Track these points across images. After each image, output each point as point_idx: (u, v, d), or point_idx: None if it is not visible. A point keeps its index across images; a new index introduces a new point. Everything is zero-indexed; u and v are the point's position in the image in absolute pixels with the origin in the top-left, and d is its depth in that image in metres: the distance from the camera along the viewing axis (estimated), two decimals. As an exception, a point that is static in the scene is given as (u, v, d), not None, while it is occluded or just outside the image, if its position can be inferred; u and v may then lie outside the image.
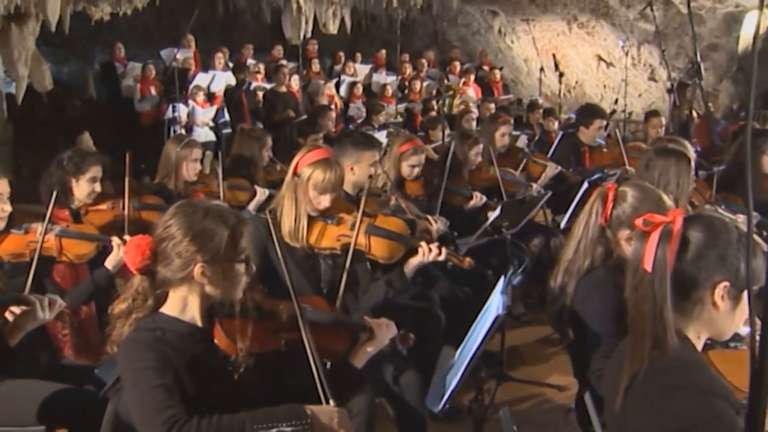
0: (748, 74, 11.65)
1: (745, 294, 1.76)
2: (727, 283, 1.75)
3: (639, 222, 1.83)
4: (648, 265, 1.77)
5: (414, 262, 3.47)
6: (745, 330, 2.22)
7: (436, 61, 13.90)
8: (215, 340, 2.22)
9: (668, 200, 2.76)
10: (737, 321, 1.82)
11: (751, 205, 1.26)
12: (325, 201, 3.39)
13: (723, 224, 1.80)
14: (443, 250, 3.44)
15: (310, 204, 3.38)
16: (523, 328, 5.31)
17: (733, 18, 11.30)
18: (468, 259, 3.50)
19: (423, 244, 3.45)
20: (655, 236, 1.77)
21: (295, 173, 3.39)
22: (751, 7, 11.02)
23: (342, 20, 12.63)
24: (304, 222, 3.36)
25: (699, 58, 4.92)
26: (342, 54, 12.99)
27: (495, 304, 2.57)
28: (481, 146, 5.42)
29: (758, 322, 1.30)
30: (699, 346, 1.83)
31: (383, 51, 13.26)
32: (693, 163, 3.81)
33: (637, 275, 1.81)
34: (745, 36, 11.37)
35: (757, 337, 1.24)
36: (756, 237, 3.77)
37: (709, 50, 11.94)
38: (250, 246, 2.28)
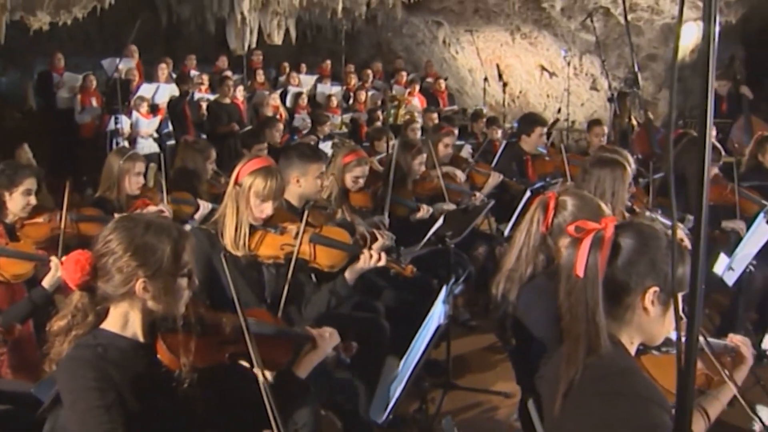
0: (685, 83, 11.98)
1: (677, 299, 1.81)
2: (657, 289, 1.79)
3: (571, 229, 1.87)
4: (580, 271, 1.80)
5: (356, 268, 3.49)
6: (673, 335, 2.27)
7: (382, 71, 13.96)
8: (158, 356, 2.18)
9: (606, 209, 2.82)
10: (668, 326, 1.87)
11: (675, 212, 1.30)
12: (267, 209, 3.38)
13: (653, 231, 1.85)
14: (384, 256, 3.48)
15: (252, 213, 3.37)
16: (469, 336, 5.35)
17: (671, 29, 11.55)
18: (410, 267, 3.53)
19: (365, 251, 3.48)
20: (587, 243, 1.81)
21: (236, 183, 3.38)
22: (687, 18, 11.30)
23: (287, 31, 12.63)
24: (245, 230, 3.35)
25: (637, 68, 5.03)
26: (287, 65, 12.96)
27: (437, 314, 2.59)
28: (424, 156, 5.46)
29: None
30: (632, 351, 1.87)
31: (328, 61, 13.28)
32: (630, 172, 3.88)
33: (570, 281, 1.85)
34: (682, 46, 11.63)
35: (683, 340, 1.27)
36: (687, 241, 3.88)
37: (648, 60, 12.19)
38: (193, 259, 2.25)
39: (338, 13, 11.80)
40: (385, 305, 4.29)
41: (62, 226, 3.98)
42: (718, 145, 5.78)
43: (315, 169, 3.98)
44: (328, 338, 2.61)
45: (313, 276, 3.66)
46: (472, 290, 5.49)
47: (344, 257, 3.51)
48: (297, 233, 3.39)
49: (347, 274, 3.51)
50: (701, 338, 2.22)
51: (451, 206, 5.27)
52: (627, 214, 3.87)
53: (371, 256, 3.47)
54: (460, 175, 6.03)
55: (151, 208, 4.63)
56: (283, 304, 3.32)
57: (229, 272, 2.33)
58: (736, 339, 2.39)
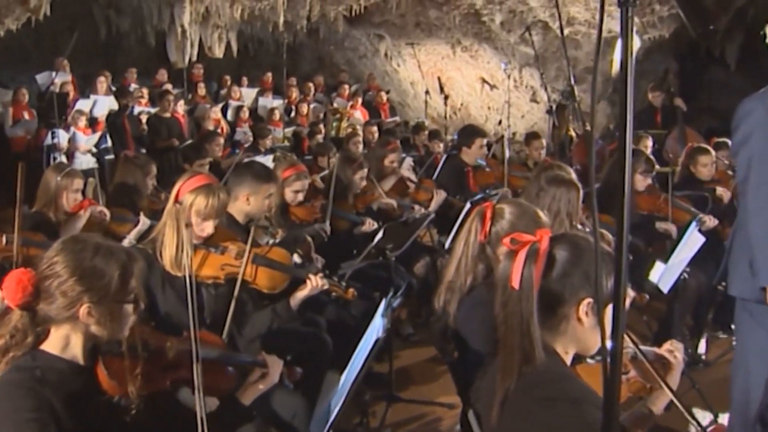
0: (621, 95, 12.22)
1: (609, 309, 1.83)
2: (590, 300, 1.82)
3: (507, 241, 1.89)
4: (515, 283, 1.82)
5: (301, 294, 3.50)
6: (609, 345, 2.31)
7: (324, 84, 13.97)
8: (98, 381, 2.11)
9: (544, 216, 2.85)
10: (602, 336, 1.89)
11: (596, 222, 1.32)
12: (208, 228, 3.35)
13: (587, 243, 1.88)
14: (326, 281, 3.48)
15: (193, 231, 3.33)
16: (411, 348, 5.38)
17: (607, 43, 11.68)
18: (351, 291, 3.55)
19: (311, 276, 3.47)
20: (522, 255, 1.83)
21: (176, 200, 3.33)
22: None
23: (228, 44, 12.56)
24: (187, 249, 3.30)
25: (573, 81, 5.11)
26: (228, 78, 12.90)
27: (375, 328, 2.59)
28: (365, 170, 5.48)
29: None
30: (567, 360, 1.89)
31: (270, 75, 13.24)
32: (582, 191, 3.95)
33: (505, 293, 1.87)
34: (616, 60, 11.89)
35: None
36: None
37: (585, 73, 12.41)
38: (140, 283, 2.19)
39: (280, 26, 11.78)
40: (327, 319, 4.29)
41: (14, 249, 3.89)
42: (651, 156, 5.93)
43: (266, 189, 3.99)
44: (277, 366, 2.57)
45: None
46: (415, 303, 5.51)
47: (285, 279, 3.51)
48: (239, 253, 3.36)
49: (291, 301, 3.51)
50: (634, 346, 2.27)
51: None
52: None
53: (315, 281, 3.47)
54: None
55: (97, 208, 4.64)
56: (228, 325, 3.28)
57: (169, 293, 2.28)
58: (667, 345, 2.44)
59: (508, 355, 1.84)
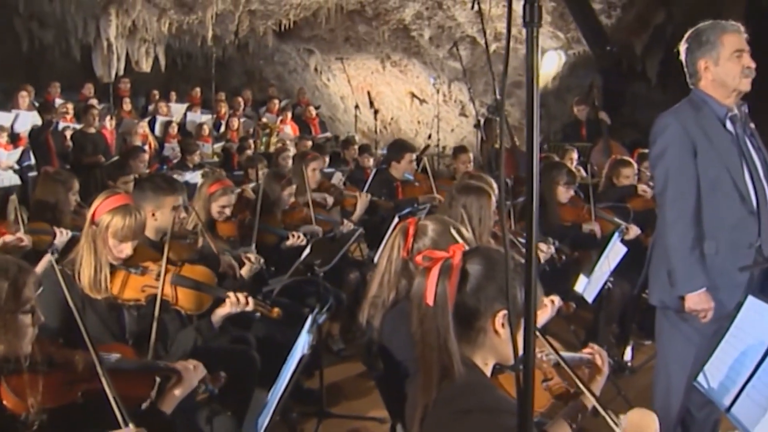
0: (548, 109, 12.48)
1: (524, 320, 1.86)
2: (506, 311, 1.84)
3: (419, 259, 1.89)
4: (430, 300, 1.82)
5: (222, 312, 3.45)
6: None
7: (254, 99, 13.89)
8: (2, 400, 2.07)
9: (466, 233, 2.87)
10: (520, 345, 1.91)
11: (506, 235, 1.34)
12: (126, 249, 3.26)
13: (500, 256, 1.90)
14: (251, 300, 3.43)
15: (111, 253, 3.25)
16: (342, 363, 5.35)
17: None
18: (276, 310, 3.50)
19: (231, 294, 3.42)
20: (435, 271, 1.84)
21: (92, 222, 3.24)
22: (549, 47, 11.82)
23: (156, 58, 12.39)
24: (106, 272, 3.22)
25: (498, 96, 5.20)
26: (156, 93, 12.71)
27: (301, 344, 2.57)
28: (294, 186, 5.45)
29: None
30: (487, 371, 1.90)
31: (198, 89, 13.11)
32: (495, 198, 4.00)
33: (420, 310, 1.87)
34: (544, 74, 12.14)
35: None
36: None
37: (513, 87, 12.62)
38: (34, 294, 2.15)
39: (208, 40, 11.69)
40: (256, 336, 4.23)
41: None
42: (573, 168, 6.06)
43: (171, 201, 3.88)
44: (193, 371, 2.55)
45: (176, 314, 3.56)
46: (346, 318, 5.50)
47: (208, 299, 3.44)
48: (158, 273, 3.29)
49: (213, 318, 3.45)
50: (555, 353, 2.31)
51: (319, 229, 5.29)
52: (492, 240, 3.98)
53: (237, 300, 3.43)
54: (329, 199, 6.05)
55: (8, 238, 4.42)
56: (152, 346, 3.21)
57: (76, 309, 2.24)
58: (590, 350, 2.48)
59: (427, 371, 1.84)
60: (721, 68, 3.33)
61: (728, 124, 3.36)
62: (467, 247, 1.98)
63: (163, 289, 3.27)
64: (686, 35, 3.46)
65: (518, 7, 1.29)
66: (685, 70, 3.49)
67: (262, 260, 4.27)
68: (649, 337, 5.67)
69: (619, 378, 5.02)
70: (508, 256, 1.44)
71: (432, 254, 1.88)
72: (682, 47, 3.48)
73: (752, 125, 3.46)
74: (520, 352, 1.95)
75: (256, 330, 4.31)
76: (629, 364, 5.37)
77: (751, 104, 3.48)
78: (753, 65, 3.31)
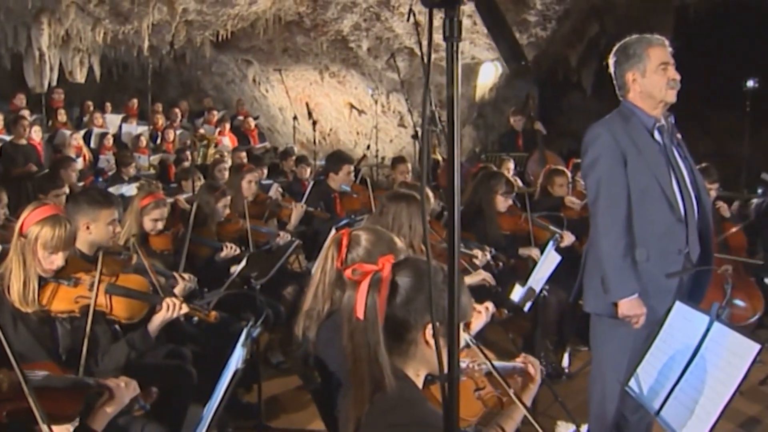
0: (485, 119, 12.61)
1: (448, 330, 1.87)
2: (436, 323, 1.84)
3: (349, 272, 1.88)
4: (360, 314, 1.81)
5: (158, 319, 3.39)
6: (463, 363, 2.36)
7: (191, 110, 13.73)
8: None
9: (400, 243, 2.88)
10: None
11: (429, 248, 1.34)
12: (57, 260, 3.19)
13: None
14: (185, 304, 3.39)
15: (41, 265, 3.17)
16: (281, 377, 5.31)
17: (471, 69, 12.15)
18: (214, 313, 3.46)
19: (167, 299, 3.37)
20: (365, 285, 1.83)
21: (21, 234, 3.16)
22: (486, 58, 11.95)
23: (90, 68, 12.14)
24: (34, 284, 3.14)
25: (434, 107, 5.25)
26: (90, 103, 12.46)
27: (235, 358, 2.54)
28: (228, 198, 5.40)
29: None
30: (419, 383, 1.90)
31: (135, 100, 12.91)
32: (427, 205, 4.02)
33: (351, 324, 1.86)
34: (481, 85, 12.29)
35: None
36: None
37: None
38: None
39: (145, 50, 11.49)
40: (192, 351, 4.17)
41: None
42: (511, 178, 6.14)
43: (106, 214, 3.80)
44: (125, 388, 2.51)
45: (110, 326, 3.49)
46: (284, 331, 5.46)
47: (143, 307, 3.38)
48: (92, 284, 3.23)
49: (149, 326, 3.40)
50: (488, 363, 2.33)
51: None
52: (423, 247, 4.00)
53: (173, 305, 3.38)
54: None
55: None
56: (83, 359, 3.14)
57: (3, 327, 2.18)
58: (523, 359, 2.51)
59: (359, 385, 1.84)
60: (648, 80, 3.43)
61: (656, 134, 3.45)
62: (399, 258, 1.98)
63: (96, 298, 3.21)
64: (614, 49, 3.56)
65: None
66: (615, 82, 3.59)
67: (195, 279, 4.21)
68: (586, 343, 5.73)
69: (556, 384, 5.09)
70: (431, 269, 1.44)
71: (361, 267, 1.87)
72: (611, 60, 3.58)
73: (679, 135, 3.56)
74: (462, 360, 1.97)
75: (192, 344, 4.25)
76: (567, 370, 5.45)
77: (677, 115, 3.58)
78: (678, 77, 3.42)
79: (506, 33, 1.29)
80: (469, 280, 4.63)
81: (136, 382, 2.58)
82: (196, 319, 3.51)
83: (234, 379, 2.43)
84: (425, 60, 1.28)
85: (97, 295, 3.22)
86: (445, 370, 1.80)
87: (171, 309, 3.37)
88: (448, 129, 1.33)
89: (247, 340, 2.49)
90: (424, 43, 10.58)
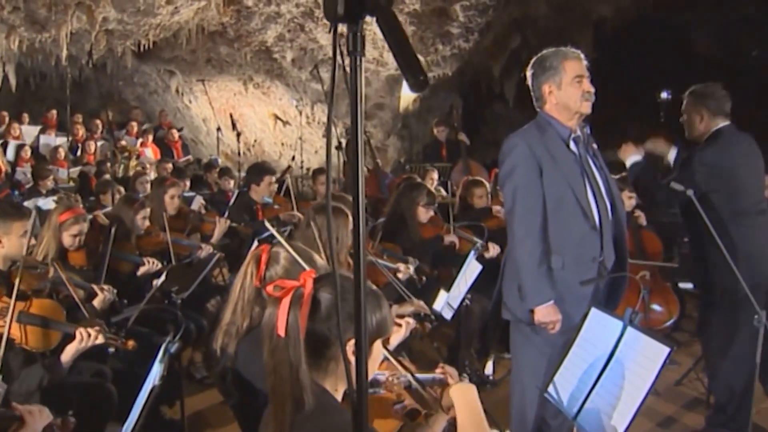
0: (410, 129, 12.70)
1: (375, 345, 1.87)
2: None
3: (270, 289, 1.87)
4: (281, 331, 1.79)
5: (71, 350, 3.32)
6: (381, 376, 2.37)
7: (113, 121, 13.44)
8: None
9: (320, 259, 2.87)
10: (370, 370, 1.92)
11: (334, 261, 1.35)
12: None
13: (351, 283, 1.90)
14: (101, 335, 3.32)
15: None
16: (205, 391, 5.22)
17: (395, 80, 12.19)
18: (131, 342, 3.40)
19: (81, 330, 3.30)
20: (286, 301, 1.81)
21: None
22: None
23: (5, 77, 11.78)
24: None
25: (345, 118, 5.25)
26: (6, 114, 12.10)
27: (153, 375, 2.50)
28: (147, 210, 5.31)
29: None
30: (339, 397, 1.90)
31: (54, 111, 12.58)
32: (351, 219, 4.03)
33: (272, 340, 1.83)
34: (406, 96, 12.36)
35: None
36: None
37: (375, 109, 12.77)
38: None
39: (63, 59, 11.20)
40: (112, 368, 4.08)
41: None
42: (434, 188, 6.21)
43: (19, 227, 3.69)
44: (38, 415, 2.42)
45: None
46: (208, 345, 5.38)
47: (57, 337, 3.31)
48: (2, 311, 3.13)
49: (62, 357, 3.32)
50: (408, 375, 2.35)
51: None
52: (351, 260, 4.00)
53: (87, 336, 3.31)
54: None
55: None
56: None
57: None
58: (442, 370, 2.52)
59: (279, 403, 1.82)
60: (564, 92, 3.51)
61: (572, 145, 3.53)
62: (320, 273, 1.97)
63: (9, 329, 3.11)
64: (532, 61, 3.65)
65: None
66: (532, 93, 3.67)
67: (114, 291, 4.13)
68: (510, 350, 5.85)
69: (480, 391, 5.12)
70: (337, 283, 1.45)
71: (283, 284, 1.85)
72: (528, 72, 3.66)
73: (594, 146, 3.66)
74: (371, 377, 1.98)
75: (113, 362, 4.16)
76: (490, 377, 5.50)
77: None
78: (592, 90, 3.51)
79: (405, 48, 1.31)
80: (401, 310, 4.63)
81: (48, 410, 2.49)
82: (112, 349, 3.43)
83: (151, 396, 2.38)
84: (332, 72, 1.29)
85: (10, 326, 3.12)
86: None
87: (85, 340, 3.30)
88: (352, 143, 1.34)
89: (164, 357, 2.44)
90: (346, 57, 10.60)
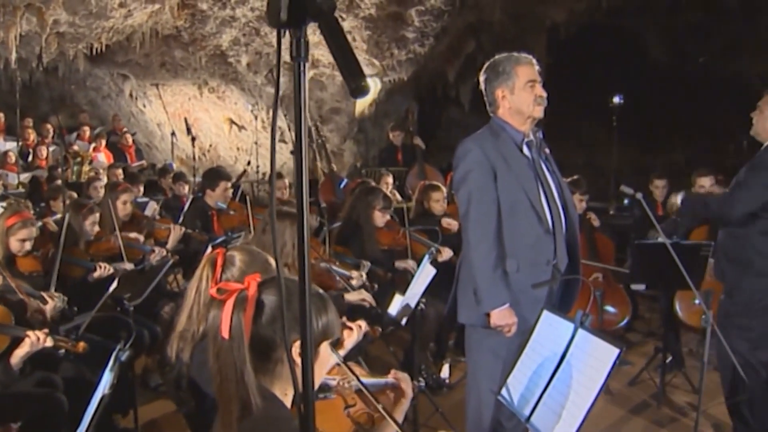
0: (366, 134, 12.71)
1: (322, 348, 1.87)
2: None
3: (213, 292, 1.86)
4: (225, 333, 1.78)
5: (20, 352, 3.27)
6: (332, 380, 2.37)
7: (64, 126, 13.22)
8: None
9: (274, 262, 2.86)
10: (318, 373, 1.92)
11: (280, 266, 1.35)
12: None
13: (296, 285, 1.89)
14: (50, 337, 3.27)
15: None
16: (160, 399, 5.17)
17: (352, 84, 12.16)
18: (82, 344, 3.35)
19: (30, 333, 3.24)
20: (230, 304, 1.80)
21: None
22: (366, 74, 12.03)
23: (-50, 81, 11.55)
24: None
25: (309, 123, 5.24)
26: (-50, 119, 11.87)
27: (103, 384, 2.46)
28: (97, 215, 5.24)
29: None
30: (287, 402, 1.89)
31: (2, 115, 12.35)
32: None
33: (216, 343, 1.83)
34: (361, 101, 12.36)
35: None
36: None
37: (331, 113, 12.74)
38: None
39: (12, 62, 10.98)
40: (63, 377, 4.02)
41: None
42: (389, 193, 6.22)
43: None
44: None
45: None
46: (162, 352, 5.33)
47: (5, 341, 3.26)
48: None
49: (11, 360, 3.27)
50: (355, 380, 2.34)
51: (130, 265, 5.11)
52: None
53: (36, 339, 3.25)
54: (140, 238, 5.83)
55: None
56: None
57: None
58: (394, 374, 2.53)
59: (225, 406, 1.81)
60: (517, 97, 3.55)
61: (525, 149, 3.57)
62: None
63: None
64: (484, 66, 3.68)
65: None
66: (485, 98, 3.70)
67: (65, 298, 4.06)
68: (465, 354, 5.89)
69: (437, 395, 5.18)
70: (282, 286, 1.44)
71: (227, 286, 1.85)
72: (482, 78, 3.69)
73: (547, 150, 3.70)
74: (321, 381, 1.97)
75: (64, 371, 4.09)
76: (447, 381, 5.53)
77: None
78: (544, 94, 3.56)
79: (347, 53, 1.32)
80: (349, 297, 4.65)
81: (11, 414, 2.44)
82: (62, 351, 3.37)
83: (101, 404, 2.35)
84: (276, 76, 1.29)
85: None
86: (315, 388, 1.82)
87: (34, 342, 3.24)
88: (296, 148, 1.34)
89: (115, 365, 2.41)
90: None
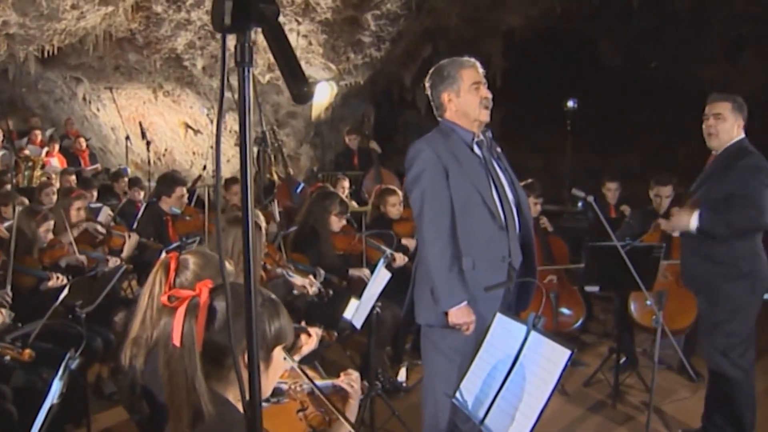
0: (322, 138, 12.69)
1: (276, 353, 1.87)
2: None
3: (164, 299, 1.84)
4: (176, 341, 1.76)
5: None
6: (284, 384, 2.37)
7: (15, 130, 12.97)
8: None
9: (230, 266, 2.85)
10: (272, 378, 1.91)
11: (223, 267, 1.35)
12: None
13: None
14: None
15: None
16: (114, 407, 5.09)
17: (308, 88, 12.13)
18: (28, 351, 3.30)
19: None
20: (181, 311, 1.79)
21: None
22: (321, 78, 12.03)
23: None
24: None
25: (264, 127, 5.24)
26: None
27: (52, 393, 2.43)
28: (51, 222, 5.16)
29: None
30: (240, 408, 1.88)
31: (-51, 119, 12.10)
32: (263, 230, 4.01)
33: (167, 351, 1.80)
34: (318, 104, 12.37)
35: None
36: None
37: (288, 117, 12.72)
38: None
39: (-39, 66, 10.79)
40: (13, 387, 3.94)
41: None
42: (345, 198, 6.22)
43: None
44: None
45: None
46: (116, 360, 5.26)
47: None
48: None
49: None
50: (308, 383, 2.35)
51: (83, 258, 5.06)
52: (263, 272, 3.98)
53: None
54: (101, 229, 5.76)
55: None
56: None
57: None
58: (343, 376, 2.54)
59: (176, 415, 1.79)
60: (463, 99, 3.61)
61: (475, 148, 3.62)
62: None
63: None
64: (430, 72, 3.73)
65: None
66: (432, 102, 3.74)
67: (12, 314, 3.99)
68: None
69: (394, 399, 5.18)
70: (228, 293, 1.44)
71: (178, 293, 1.83)
72: (427, 83, 3.74)
73: (498, 149, 3.74)
74: (271, 385, 1.97)
75: (15, 381, 4.02)
76: (403, 384, 5.54)
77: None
78: (489, 95, 3.62)
79: (290, 59, 1.33)
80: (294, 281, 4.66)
81: None
82: (8, 357, 3.31)
83: (50, 414, 2.31)
84: (221, 82, 1.29)
85: None
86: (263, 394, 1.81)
87: None
88: (241, 153, 1.34)
89: (65, 373, 2.37)
90: (261, 61, 10.51)
